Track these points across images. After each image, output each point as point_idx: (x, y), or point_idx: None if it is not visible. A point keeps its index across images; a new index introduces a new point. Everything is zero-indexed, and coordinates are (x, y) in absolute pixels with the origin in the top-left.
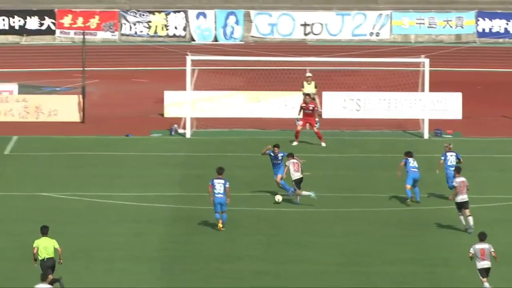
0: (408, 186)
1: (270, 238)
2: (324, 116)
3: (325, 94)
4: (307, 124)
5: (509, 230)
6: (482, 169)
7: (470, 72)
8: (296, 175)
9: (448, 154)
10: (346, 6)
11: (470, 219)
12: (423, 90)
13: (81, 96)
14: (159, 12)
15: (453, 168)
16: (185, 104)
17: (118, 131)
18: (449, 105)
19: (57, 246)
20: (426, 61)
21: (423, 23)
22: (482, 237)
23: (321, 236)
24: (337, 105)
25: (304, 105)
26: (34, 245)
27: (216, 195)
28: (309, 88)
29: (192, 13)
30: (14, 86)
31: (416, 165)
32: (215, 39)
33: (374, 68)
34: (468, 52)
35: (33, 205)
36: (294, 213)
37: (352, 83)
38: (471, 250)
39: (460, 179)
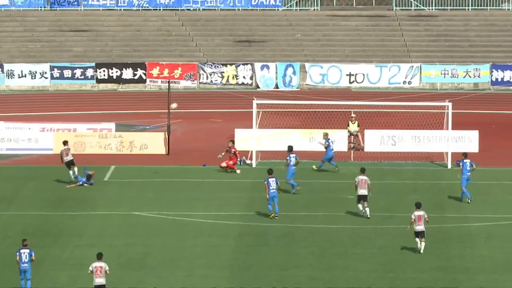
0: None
1: (321, 250)
2: (366, 149)
3: (367, 132)
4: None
5: None
6: (496, 194)
7: (486, 114)
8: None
9: None
10: (384, 59)
11: None
12: (447, 128)
13: (166, 133)
14: (231, 64)
15: None
16: (252, 140)
17: (197, 162)
18: (468, 141)
19: None
20: (449, 105)
21: (447, 74)
22: (418, 206)
23: (364, 248)
24: (376, 140)
25: (228, 148)
26: None
27: (271, 190)
28: (353, 126)
29: (257, 65)
30: (112, 125)
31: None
32: (276, 86)
33: (407, 110)
34: (484, 98)
35: (127, 222)
36: (342, 229)
37: (388, 123)
38: (412, 216)
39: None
